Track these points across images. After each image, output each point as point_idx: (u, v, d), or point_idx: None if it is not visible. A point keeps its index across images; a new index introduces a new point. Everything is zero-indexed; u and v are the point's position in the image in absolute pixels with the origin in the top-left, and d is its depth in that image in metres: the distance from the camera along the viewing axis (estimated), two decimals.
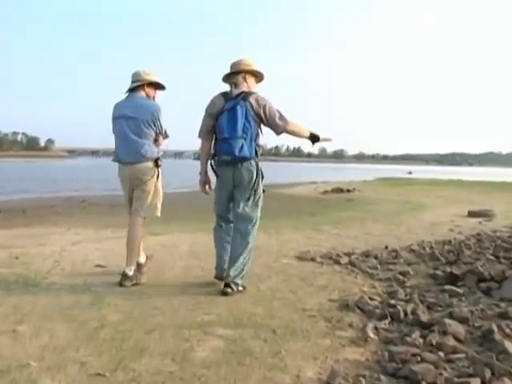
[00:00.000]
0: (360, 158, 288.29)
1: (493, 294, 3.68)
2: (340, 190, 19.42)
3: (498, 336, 2.71)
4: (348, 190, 19.41)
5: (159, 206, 4.45)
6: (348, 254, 5.49)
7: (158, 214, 4.46)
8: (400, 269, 4.74)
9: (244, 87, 3.98)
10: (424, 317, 3.07)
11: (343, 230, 8.01)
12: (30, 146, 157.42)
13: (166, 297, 3.79)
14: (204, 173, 4.15)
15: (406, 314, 3.19)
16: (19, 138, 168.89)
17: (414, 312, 3.21)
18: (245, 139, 3.80)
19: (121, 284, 4.10)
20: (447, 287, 3.91)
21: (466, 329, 2.91)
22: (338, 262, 5.13)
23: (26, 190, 19.90)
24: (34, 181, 26.80)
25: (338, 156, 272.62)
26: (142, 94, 4.36)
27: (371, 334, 2.89)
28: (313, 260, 5.29)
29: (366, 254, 5.51)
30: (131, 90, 4.37)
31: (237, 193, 3.98)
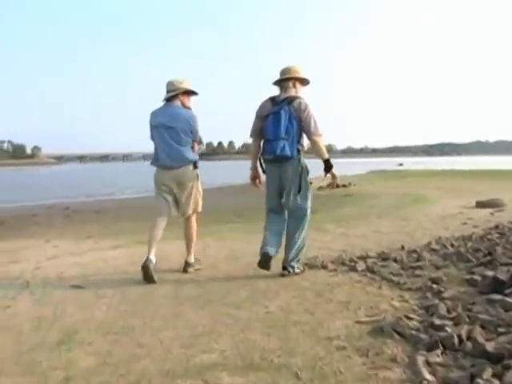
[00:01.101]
0: (348, 152, 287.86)
1: None
2: (336, 185, 18.69)
3: None
4: (344, 185, 18.68)
5: (201, 202, 4.78)
6: (363, 258, 4.82)
7: (200, 209, 4.79)
8: (429, 274, 4.06)
9: (292, 92, 4.39)
10: (489, 345, 2.36)
11: (349, 228, 7.33)
12: (17, 153, 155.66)
13: (153, 327, 3.08)
14: (254, 168, 4.58)
15: (461, 341, 2.50)
16: (5, 146, 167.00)
17: (470, 337, 2.51)
18: (287, 140, 4.18)
19: (184, 270, 4.64)
20: (495, 297, 3.22)
21: None
22: (354, 269, 4.44)
23: (9, 200, 18.88)
24: (19, 189, 25.78)
25: (327, 151, 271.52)
26: (178, 102, 4.60)
27: (426, 374, 2.18)
28: (324, 267, 4.59)
29: (384, 257, 4.82)
30: (167, 100, 4.60)
31: (285, 188, 4.34)
